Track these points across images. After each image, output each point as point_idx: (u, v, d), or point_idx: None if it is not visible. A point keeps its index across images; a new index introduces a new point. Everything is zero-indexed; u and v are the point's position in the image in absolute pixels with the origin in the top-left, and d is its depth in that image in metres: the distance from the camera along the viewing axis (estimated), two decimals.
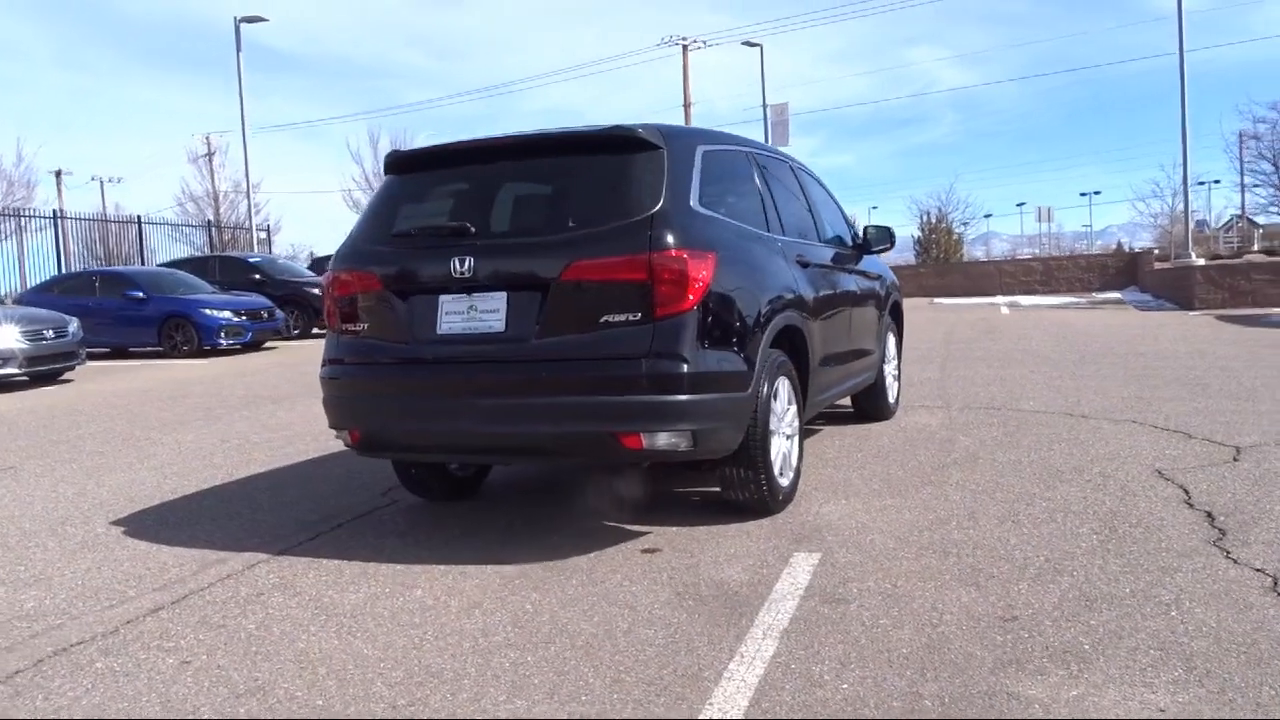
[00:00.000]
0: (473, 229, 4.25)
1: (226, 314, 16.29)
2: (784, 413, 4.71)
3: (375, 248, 4.48)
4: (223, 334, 16.05)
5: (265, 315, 16.96)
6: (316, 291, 19.52)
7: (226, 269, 20.29)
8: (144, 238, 26.43)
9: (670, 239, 3.99)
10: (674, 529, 4.55)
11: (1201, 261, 21.39)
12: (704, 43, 43.96)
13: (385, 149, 49.24)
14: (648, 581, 3.84)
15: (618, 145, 4.24)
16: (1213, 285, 18.08)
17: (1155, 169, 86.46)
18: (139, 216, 26.43)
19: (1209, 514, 4.40)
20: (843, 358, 5.83)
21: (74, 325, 13.29)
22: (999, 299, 23.49)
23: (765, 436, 4.44)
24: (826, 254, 5.80)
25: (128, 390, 11.93)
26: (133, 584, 4.15)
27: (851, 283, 6.15)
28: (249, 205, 29.91)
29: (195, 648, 3.41)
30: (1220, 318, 16.20)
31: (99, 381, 13.19)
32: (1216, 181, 58.25)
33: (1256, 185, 29.21)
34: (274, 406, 9.69)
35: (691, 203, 4.20)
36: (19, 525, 5.30)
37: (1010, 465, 5.56)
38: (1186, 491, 4.79)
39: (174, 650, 3.39)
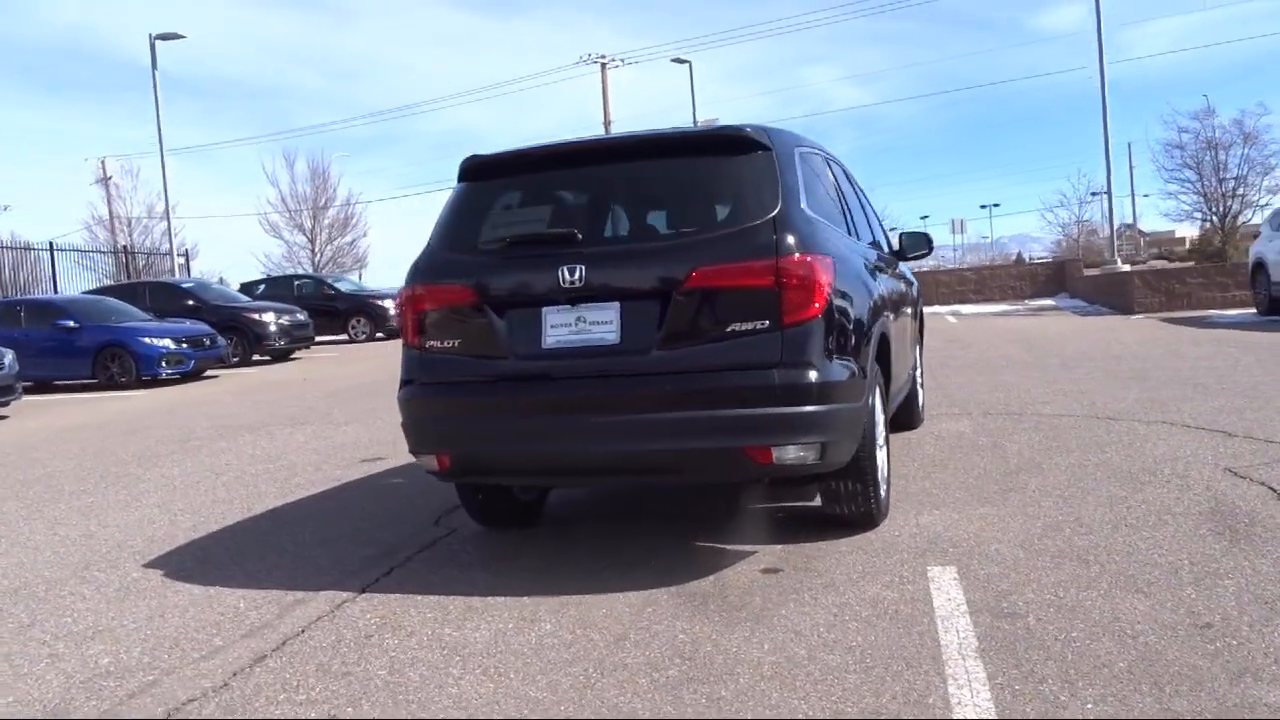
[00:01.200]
0: (579, 236, 4.00)
1: (167, 342, 15.53)
2: (882, 423, 4.55)
3: (464, 258, 4.19)
4: (164, 363, 15.29)
5: (207, 343, 16.24)
6: (256, 317, 18.84)
7: (158, 295, 19.41)
8: (55, 265, 25.15)
9: (793, 243, 3.81)
10: (779, 548, 4.35)
11: (1135, 267, 22.07)
12: (622, 61, 44.15)
13: (303, 170, 48.67)
14: (793, 604, 3.63)
15: (726, 146, 4.05)
16: (1150, 289, 18.64)
17: (1058, 180, 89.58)
18: (51, 242, 25.14)
19: None
20: (904, 366, 5.73)
21: (9, 357, 12.49)
22: (939, 308, 23.85)
23: (873, 447, 4.28)
24: (884, 260, 5.69)
25: (78, 425, 11.22)
26: (212, 631, 3.78)
27: (902, 288, 6.05)
28: (169, 228, 28.75)
29: (334, 699, 3.08)
30: (1165, 320, 16.67)
31: (38, 417, 12.40)
32: (1146, 194, 60.66)
33: (1182, 193, 30.53)
34: (253, 436, 9.19)
35: (803, 205, 4.02)
36: (38, 574, 4.84)
37: (1077, 469, 5.50)
38: (1273, 489, 4.77)
39: (310, 703, 3.06)
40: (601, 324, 3.91)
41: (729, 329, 3.77)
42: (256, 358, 19.04)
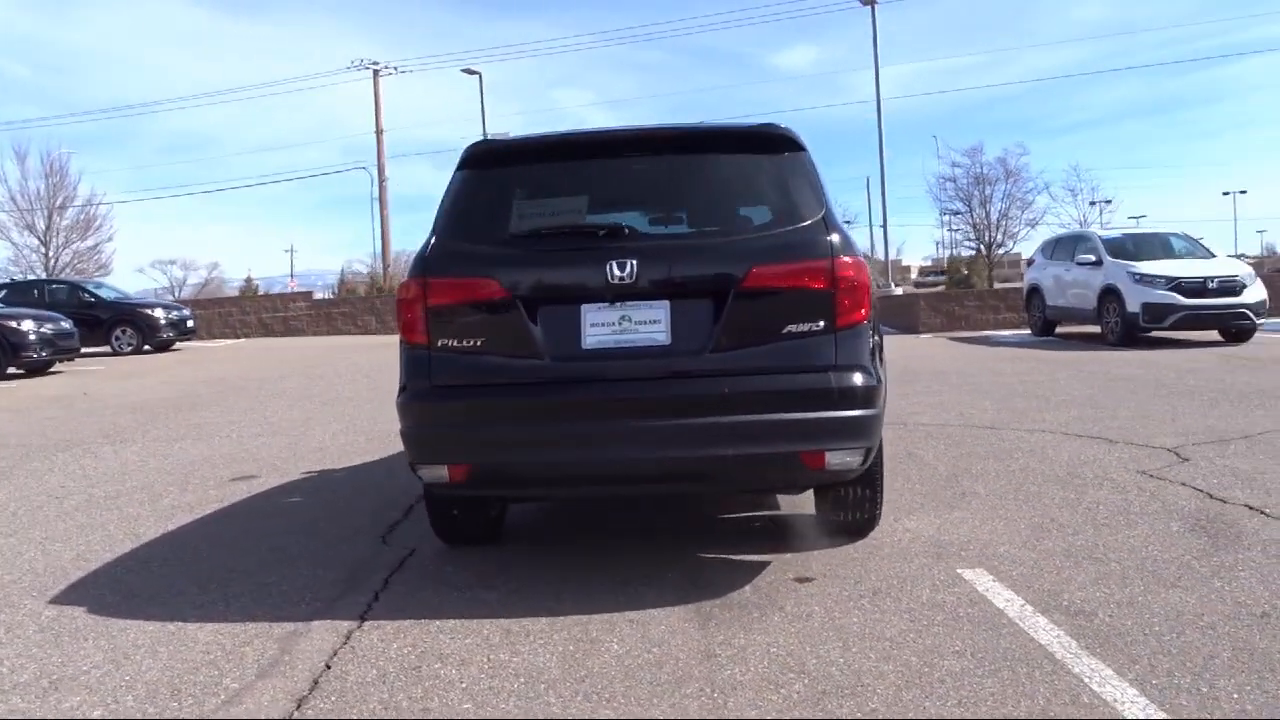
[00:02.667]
0: (627, 230, 3.78)
1: None
2: None
3: (488, 250, 3.86)
4: None
5: None
6: (14, 325, 16.78)
7: None
8: None
9: (842, 245, 3.77)
10: (788, 556, 4.27)
11: (921, 290, 23.70)
12: (396, 68, 42.92)
13: (35, 165, 43.87)
14: (856, 612, 3.56)
15: (765, 144, 3.95)
16: (934, 311, 20.07)
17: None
18: None
19: (1249, 504, 4.77)
20: None
21: None
22: None
23: (881, 454, 4.29)
24: None
25: None
26: (211, 671, 3.27)
27: None
28: None
29: None
30: (954, 339, 17.97)
31: None
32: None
33: (956, 228, 33.42)
34: (69, 456, 8.13)
35: (834, 208, 3.99)
36: None
37: (1007, 475, 5.76)
38: (1198, 489, 5.17)
39: None
40: (649, 324, 3.70)
41: (784, 330, 3.67)
42: (12, 371, 16.95)
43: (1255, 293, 13.98)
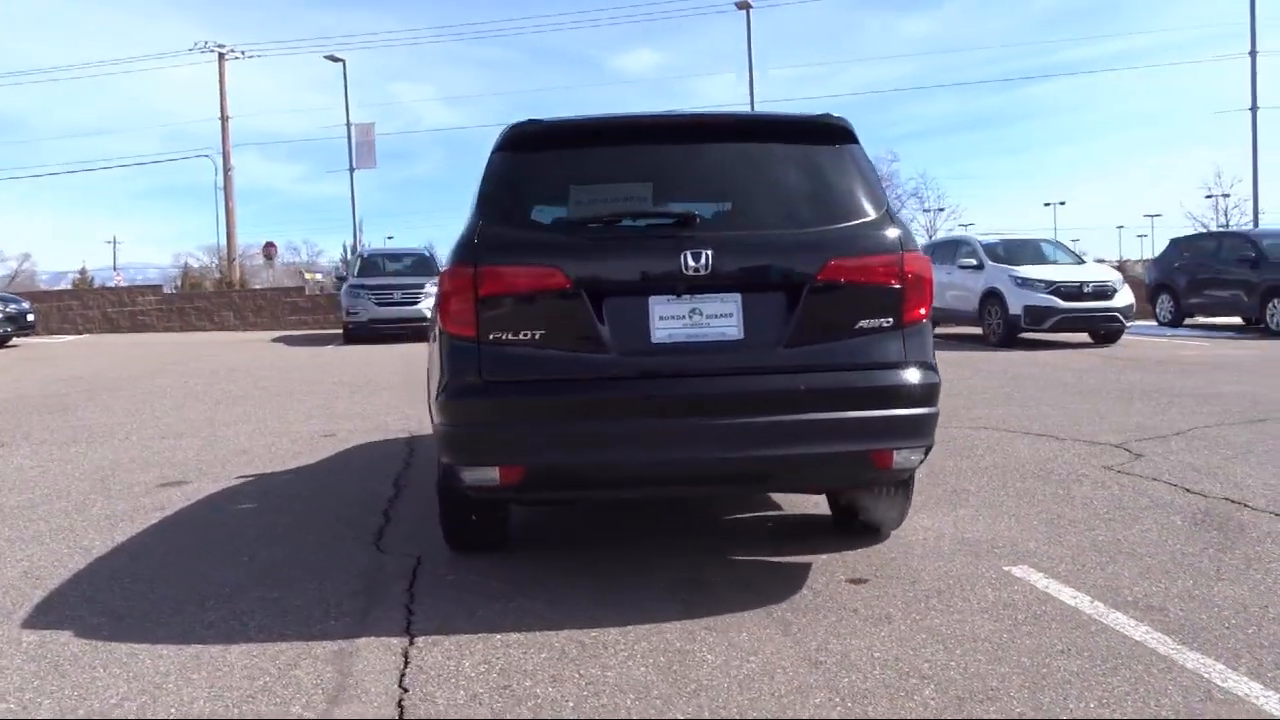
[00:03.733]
0: (699, 218, 3.61)
1: None
2: None
3: (550, 237, 3.62)
4: None
5: None
6: None
7: None
8: None
9: (908, 239, 3.72)
10: (824, 557, 4.19)
11: None
12: (243, 52, 41.00)
13: None
14: (933, 614, 3.51)
15: (825, 134, 3.84)
16: None
17: None
18: None
19: (1228, 498, 4.98)
20: None
21: None
22: None
23: None
24: None
25: None
26: (269, 699, 2.94)
27: None
28: None
29: None
30: None
31: None
32: None
33: None
34: None
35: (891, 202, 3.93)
36: None
37: (985, 473, 5.86)
38: (1173, 484, 5.38)
39: None
40: (721, 317, 3.54)
41: (857, 326, 3.59)
42: None
43: (1124, 297, 14.82)
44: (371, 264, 21.27)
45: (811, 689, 2.88)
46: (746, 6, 27.15)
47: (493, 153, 3.81)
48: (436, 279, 17.29)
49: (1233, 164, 72.75)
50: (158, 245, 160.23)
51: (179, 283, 41.16)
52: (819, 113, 3.86)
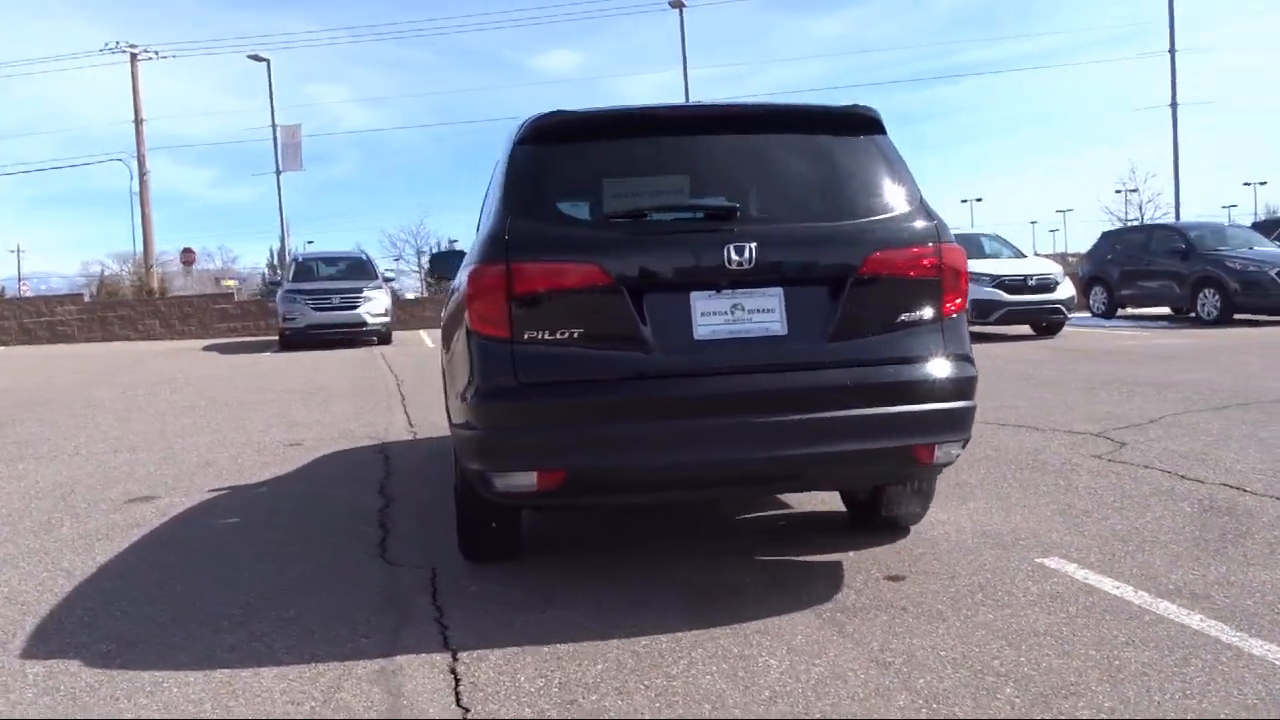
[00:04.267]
0: (739, 211, 3.51)
1: None
2: None
3: (588, 232, 3.49)
4: None
5: None
6: None
7: None
8: None
9: (945, 231, 3.68)
10: (853, 554, 4.14)
11: None
12: (156, 53, 39.78)
13: None
14: (984, 609, 3.47)
15: (856, 125, 3.78)
16: None
17: None
18: None
19: (1225, 483, 5.06)
20: None
21: None
22: None
23: None
24: None
25: None
26: None
27: None
28: None
29: None
30: None
31: None
32: None
33: None
34: None
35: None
36: None
37: (983, 464, 5.86)
38: (1168, 471, 5.45)
39: None
40: (764, 312, 3.46)
41: (898, 319, 3.53)
42: None
43: (1066, 289, 15.15)
44: (306, 268, 20.77)
45: (890, 691, 2.81)
46: (680, 5, 27.17)
47: (514, 145, 3.67)
48: (376, 283, 16.92)
49: (1145, 160, 75.20)
50: (61, 254, 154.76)
51: (94, 291, 39.81)
52: (849, 104, 3.79)
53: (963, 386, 3.57)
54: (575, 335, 3.38)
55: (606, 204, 3.63)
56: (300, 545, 4.68)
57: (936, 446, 3.55)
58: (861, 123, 3.77)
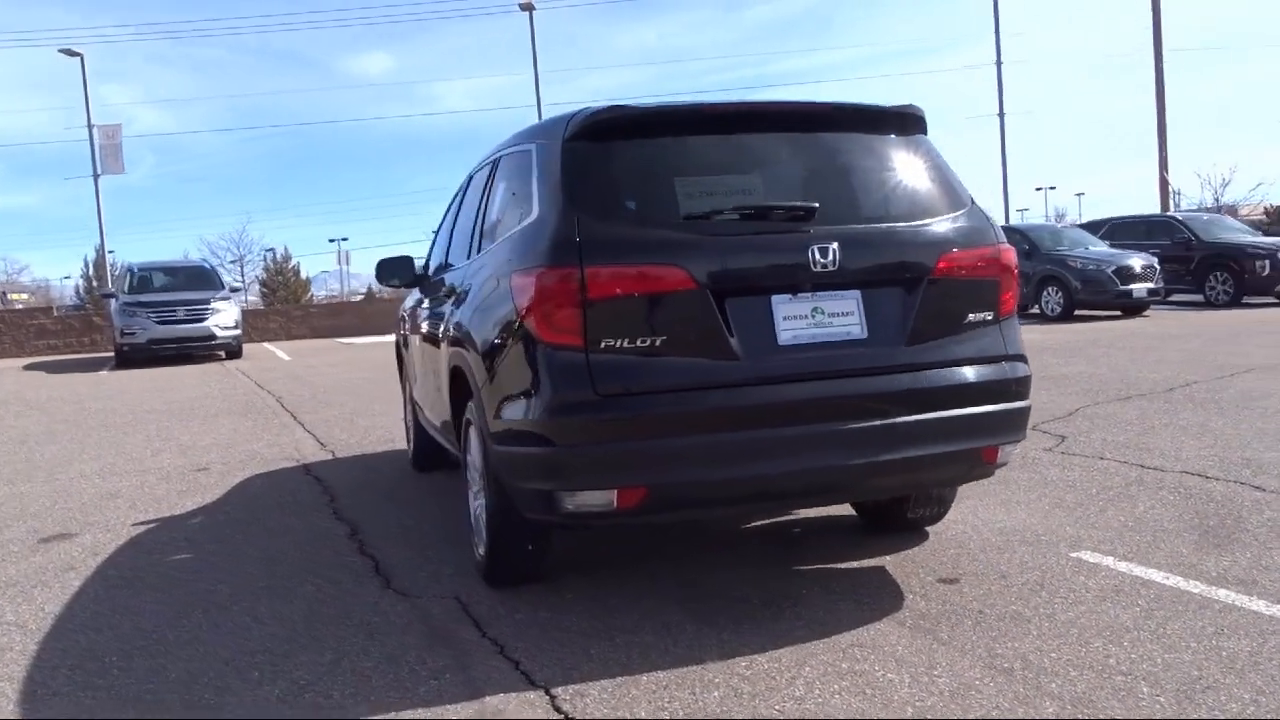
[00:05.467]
0: (817, 210, 3.40)
1: None
2: None
3: (666, 234, 3.29)
4: None
5: None
6: None
7: None
8: None
9: (999, 231, 3.69)
10: (889, 558, 4.11)
11: None
12: None
13: None
14: (1064, 606, 3.48)
15: (915, 125, 3.74)
16: None
17: (405, 217, 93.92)
18: None
19: (1187, 471, 5.31)
20: None
21: None
22: None
23: None
24: None
25: None
26: None
27: None
28: None
29: None
30: None
31: None
32: None
33: None
34: None
35: None
36: None
37: None
38: (1124, 462, 5.69)
39: None
40: (843, 315, 3.36)
41: (966, 320, 3.51)
42: None
43: None
44: (144, 279, 19.37)
45: (1030, 698, 2.76)
46: (530, 8, 26.88)
47: (565, 141, 3.45)
48: (223, 293, 15.93)
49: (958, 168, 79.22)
50: None
51: None
52: (903, 104, 3.75)
53: (1022, 387, 3.58)
54: (657, 343, 3.19)
55: (683, 203, 3.45)
56: (284, 579, 4.29)
57: (1000, 448, 3.55)
58: (914, 122, 3.73)
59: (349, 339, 23.79)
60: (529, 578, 3.91)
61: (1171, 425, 6.62)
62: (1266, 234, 22.13)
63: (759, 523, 4.79)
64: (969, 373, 3.47)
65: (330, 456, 7.39)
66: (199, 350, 18.47)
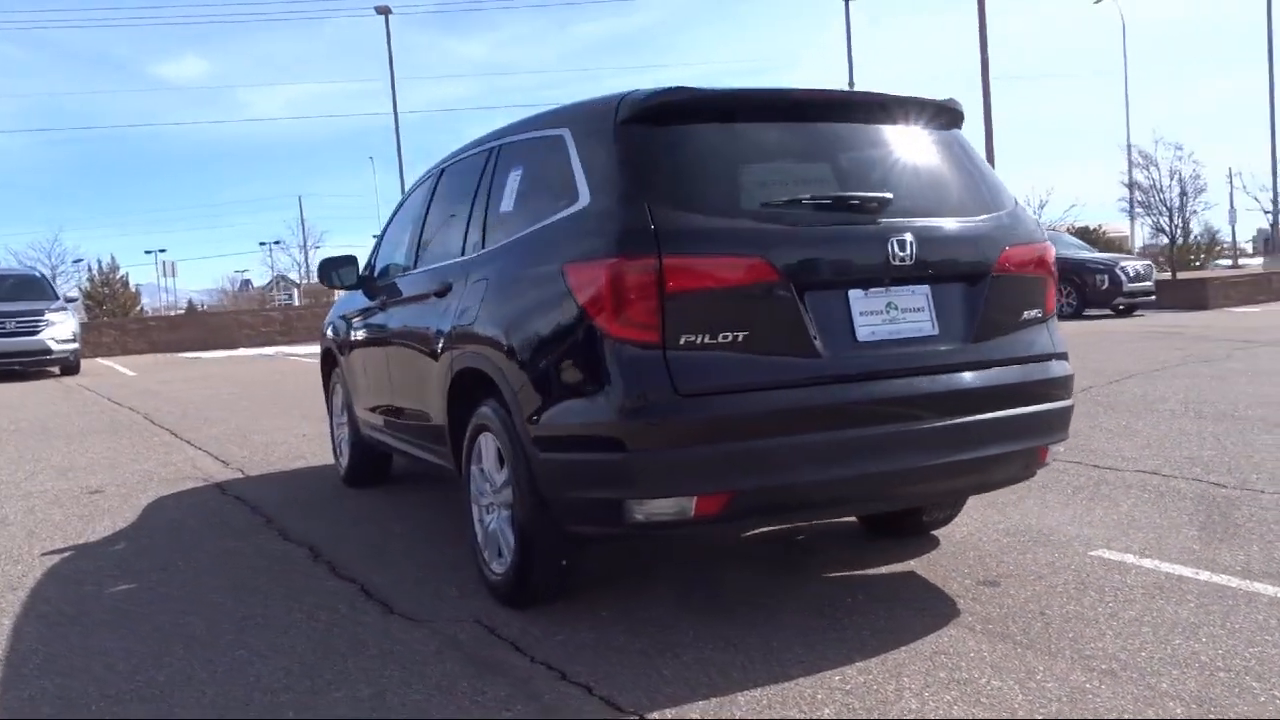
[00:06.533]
0: (891, 201, 3.27)
1: None
2: None
3: (748, 224, 3.09)
4: None
5: None
6: None
7: None
8: None
9: (1042, 228, 3.67)
10: (913, 562, 4.03)
11: None
12: None
13: None
14: (1122, 604, 3.47)
15: (958, 119, 3.68)
16: None
17: (234, 227, 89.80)
18: None
19: (1141, 470, 5.49)
20: None
21: None
22: (261, 350, 22.39)
23: None
24: None
25: None
26: None
27: None
28: None
29: None
30: None
31: None
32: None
33: None
34: None
35: None
36: None
37: None
38: (1080, 464, 5.84)
39: None
40: (914, 311, 3.25)
41: (1021, 318, 3.47)
42: None
43: None
44: None
45: (1152, 700, 2.70)
46: (386, 11, 26.08)
47: (620, 124, 3.21)
48: (58, 304, 14.68)
49: None
50: None
51: None
52: (946, 97, 3.68)
53: (1070, 385, 3.57)
54: (739, 338, 2.99)
55: (751, 191, 3.26)
56: (261, 607, 3.88)
57: (1050, 447, 3.52)
58: (959, 117, 3.67)
59: (194, 354, 22.40)
60: (555, 595, 3.63)
61: (1098, 428, 6.84)
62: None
63: (753, 532, 4.63)
64: (1028, 371, 3.42)
65: (240, 475, 6.81)
66: (31, 365, 16.97)
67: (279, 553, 4.67)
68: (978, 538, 4.32)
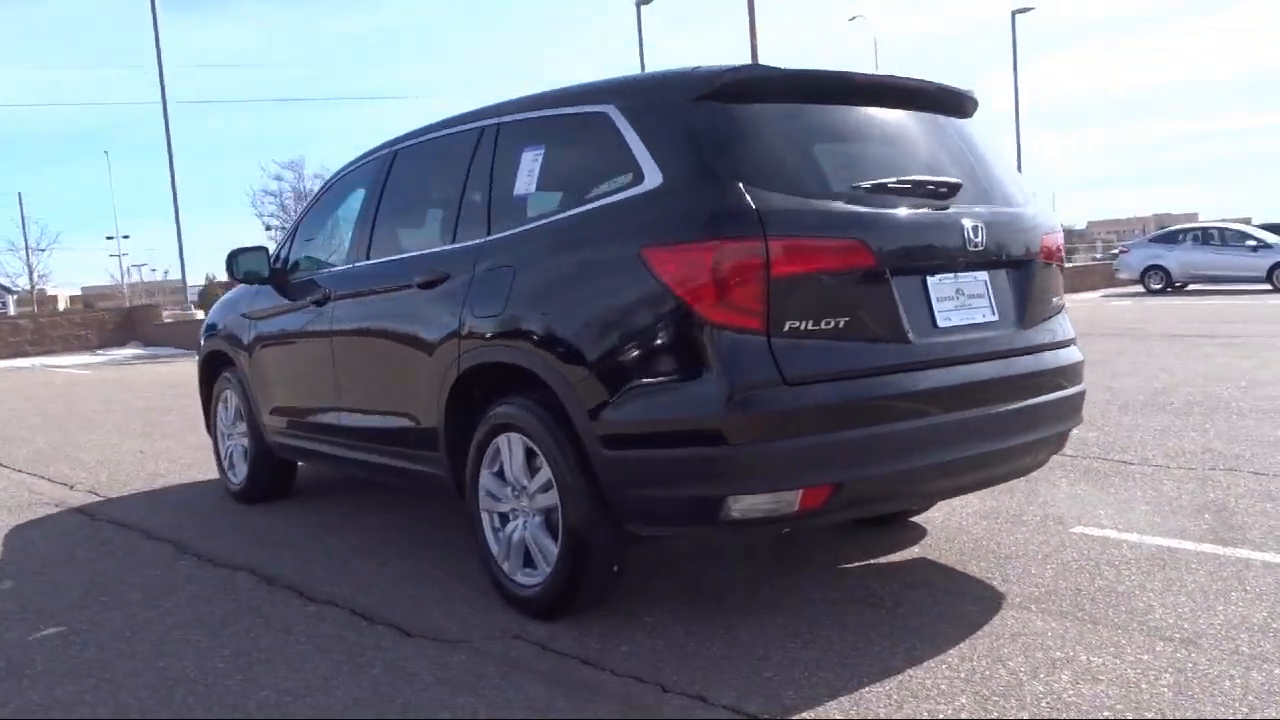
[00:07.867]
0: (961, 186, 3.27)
1: None
2: None
3: (843, 207, 2.99)
4: None
5: None
6: None
7: None
8: None
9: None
10: (916, 549, 4.09)
11: None
12: None
13: None
14: (1141, 575, 3.63)
15: (973, 106, 3.73)
16: None
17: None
18: None
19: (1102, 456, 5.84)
20: None
21: None
22: (12, 362, 20.01)
23: None
24: None
25: None
26: None
27: None
28: None
29: None
30: None
31: None
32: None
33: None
34: None
35: None
36: None
37: None
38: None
39: None
40: (977, 297, 3.28)
41: (1051, 303, 3.58)
42: None
43: None
44: None
45: (1255, 663, 2.83)
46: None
47: (695, 99, 3.05)
48: None
49: None
50: None
51: None
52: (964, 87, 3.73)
53: (1082, 372, 3.71)
54: (841, 324, 2.91)
55: (839, 174, 3.17)
56: (250, 642, 3.46)
57: (1069, 431, 3.65)
58: (971, 103, 3.72)
59: None
60: (597, 602, 3.42)
61: None
62: None
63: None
64: (1062, 355, 3.53)
65: (99, 498, 6.04)
66: None
67: (220, 581, 4.16)
68: (950, 522, 4.41)
